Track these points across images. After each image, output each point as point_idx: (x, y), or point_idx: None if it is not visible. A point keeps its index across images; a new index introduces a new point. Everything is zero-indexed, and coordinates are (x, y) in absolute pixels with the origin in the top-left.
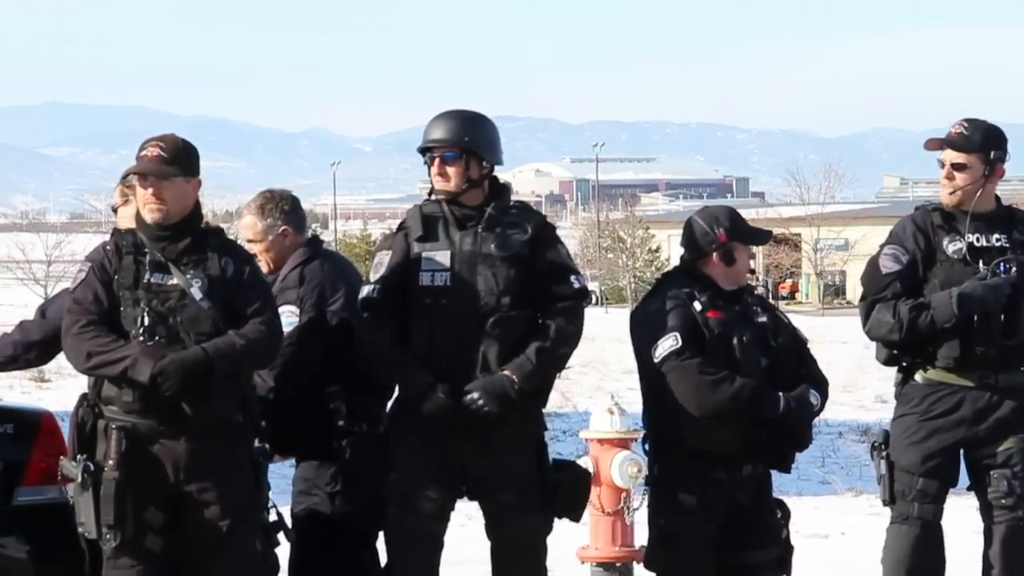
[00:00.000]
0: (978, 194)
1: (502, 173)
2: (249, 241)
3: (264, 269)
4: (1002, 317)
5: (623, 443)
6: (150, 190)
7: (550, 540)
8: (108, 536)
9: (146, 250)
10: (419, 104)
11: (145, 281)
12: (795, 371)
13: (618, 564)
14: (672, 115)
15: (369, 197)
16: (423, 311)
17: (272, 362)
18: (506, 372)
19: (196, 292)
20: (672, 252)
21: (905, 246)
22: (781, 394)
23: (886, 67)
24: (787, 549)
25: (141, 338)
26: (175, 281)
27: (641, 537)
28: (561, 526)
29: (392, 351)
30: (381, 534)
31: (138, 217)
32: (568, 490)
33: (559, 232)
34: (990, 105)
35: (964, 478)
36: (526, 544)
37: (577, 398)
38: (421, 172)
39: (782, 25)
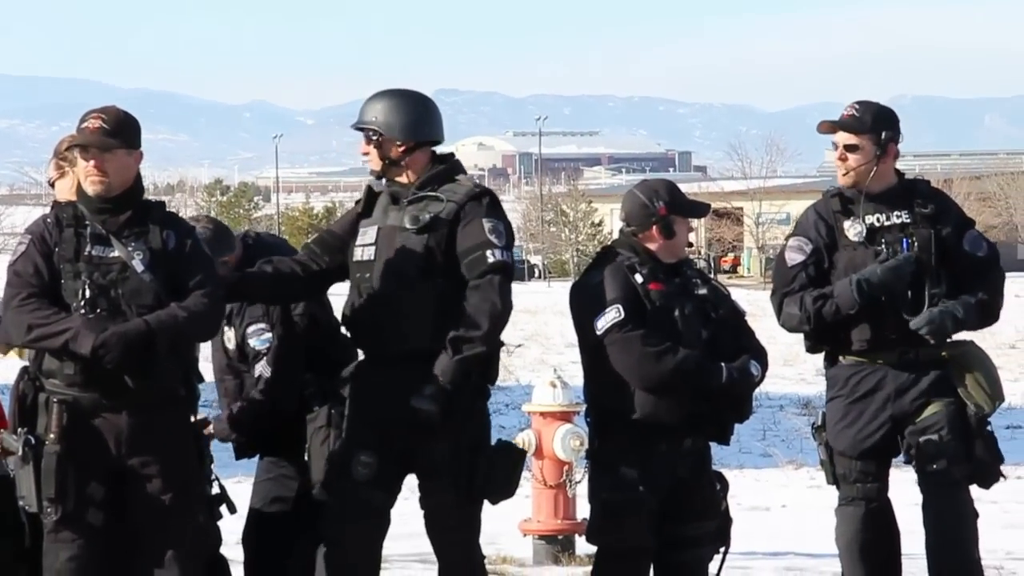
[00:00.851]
0: (871, 174)
1: (447, 146)
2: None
3: None
4: (909, 294)
5: (565, 416)
6: (92, 162)
7: (493, 513)
8: (49, 510)
9: (87, 223)
10: (361, 78)
11: (86, 254)
12: (735, 343)
13: (560, 537)
14: (615, 89)
15: (311, 170)
16: (352, 284)
17: (215, 334)
18: (436, 373)
19: (138, 265)
20: (615, 226)
21: (808, 236)
22: (723, 365)
23: (828, 42)
24: (726, 521)
25: (82, 311)
26: (116, 254)
27: (583, 510)
28: (506, 500)
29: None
30: None
31: (79, 189)
32: (498, 470)
33: (503, 205)
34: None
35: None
36: (451, 523)
37: (520, 371)
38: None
39: (725, 0)
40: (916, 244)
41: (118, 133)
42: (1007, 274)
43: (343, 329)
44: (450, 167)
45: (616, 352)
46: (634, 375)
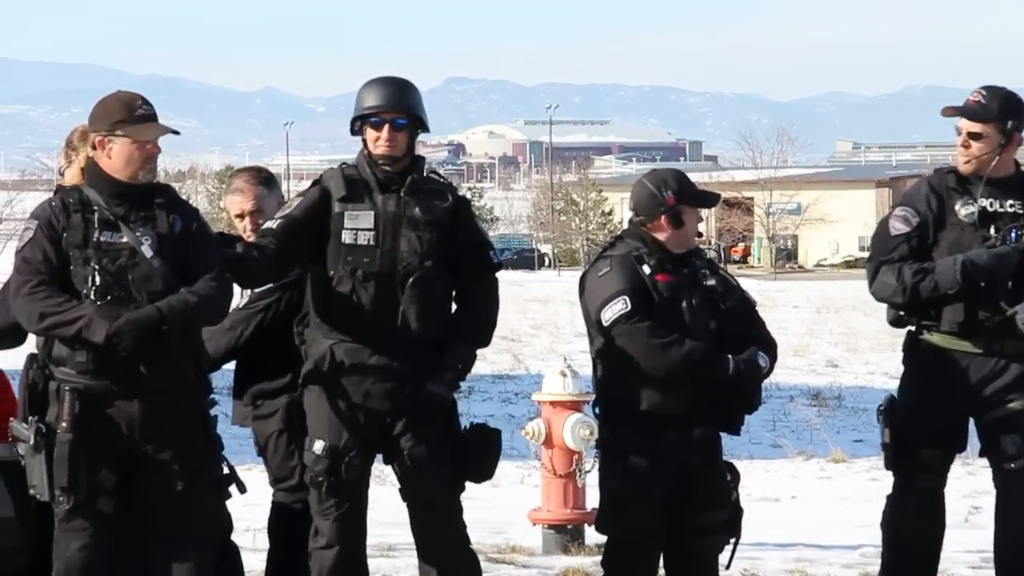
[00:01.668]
0: (994, 163)
1: (457, 134)
2: (252, 214)
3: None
4: (1010, 285)
5: (575, 406)
6: (149, 146)
7: (503, 502)
8: (61, 499)
9: (94, 208)
10: (371, 65)
11: (95, 240)
12: (744, 334)
13: (569, 526)
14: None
15: (322, 157)
16: (344, 270)
17: (224, 318)
18: (454, 359)
19: (147, 250)
20: (624, 215)
21: (917, 208)
22: (730, 356)
23: (838, 31)
24: (737, 511)
25: (93, 298)
26: (125, 239)
27: (593, 499)
28: (515, 490)
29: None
30: None
31: (92, 174)
32: (478, 450)
33: (513, 194)
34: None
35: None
36: (440, 499)
37: (529, 361)
38: None
39: None
40: None
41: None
42: None
43: (314, 312)
44: (424, 161)
45: (623, 343)
46: (641, 366)
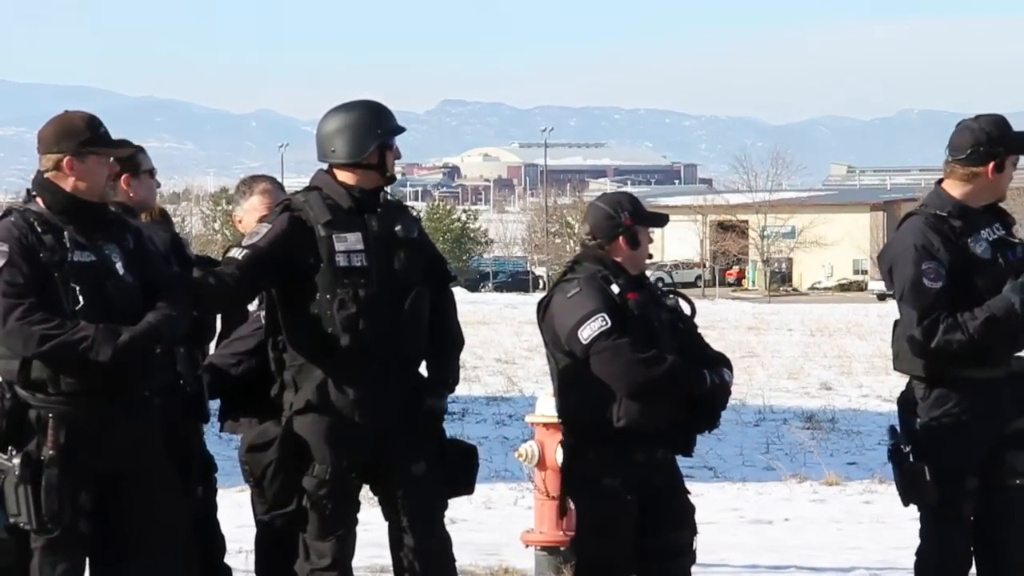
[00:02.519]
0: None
1: (452, 157)
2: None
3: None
4: None
5: None
6: (111, 169)
7: (496, 523)
8: (50, 527)
9: (62, 228)
10: (367, 88)
11: (70, 260)
12: (699, 352)
13: (562, 548)
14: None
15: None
16: (344, 293)
17: (187, 331)
18: (446, 372)
19: (119, 267)
20: None
21: (939, 259)
22: (706, 371)
23: (833, 55)
24: (695, 532)
25: (83, 318)
26: (95, 258)
27: None
28: (508, 511)
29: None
30: None
31: (49, 194)
32: (460, 465)
33: (508, 216)
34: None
35: None
36: (436, 515)
37: (523, 383)
38: None
39: (730, 12)
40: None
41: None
42: None
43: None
44: None
45: (604, 360)
46: (623, 382)
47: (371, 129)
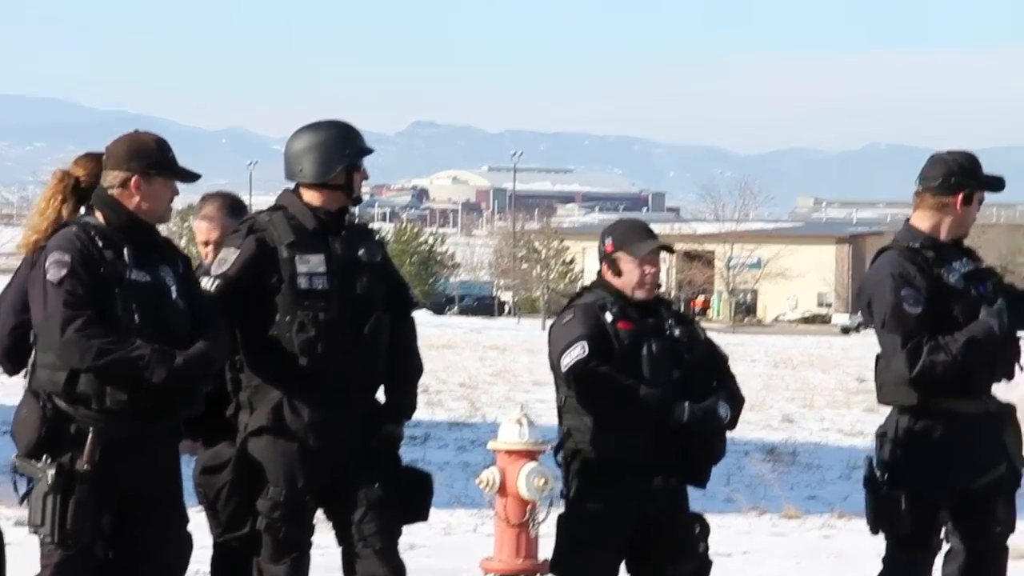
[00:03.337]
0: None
1: (421, 179)
2: (217, 243)
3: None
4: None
5: (531, 455)
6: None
7: (456, 550)
8: (69, 543)
9: (122, 245)
10: (338, 107)
11: (128, 278)
12: (709, 385)
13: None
14: (591, 127)
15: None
16: (303, 316)
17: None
18: (404, 398)
19: (173, 290)
20: (586, 264)
21: (916, 286)
22: (687, 404)
23: (801, 87)
24: (704, 563)
25: (139, 337)
26: (150, 279)
27: (545, 550)
28: (468, 538)
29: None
30: None
31: (111, 211)
32: (415, 491)
33: (475, 240)
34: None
35: None
36: (391, 541)
37: (486, 408)
38: None
39: (701, 42)
40: (995, 287)
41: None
42: None
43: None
44: None
45: (578, 388)
46: (594, 411)
47: (339, 149)
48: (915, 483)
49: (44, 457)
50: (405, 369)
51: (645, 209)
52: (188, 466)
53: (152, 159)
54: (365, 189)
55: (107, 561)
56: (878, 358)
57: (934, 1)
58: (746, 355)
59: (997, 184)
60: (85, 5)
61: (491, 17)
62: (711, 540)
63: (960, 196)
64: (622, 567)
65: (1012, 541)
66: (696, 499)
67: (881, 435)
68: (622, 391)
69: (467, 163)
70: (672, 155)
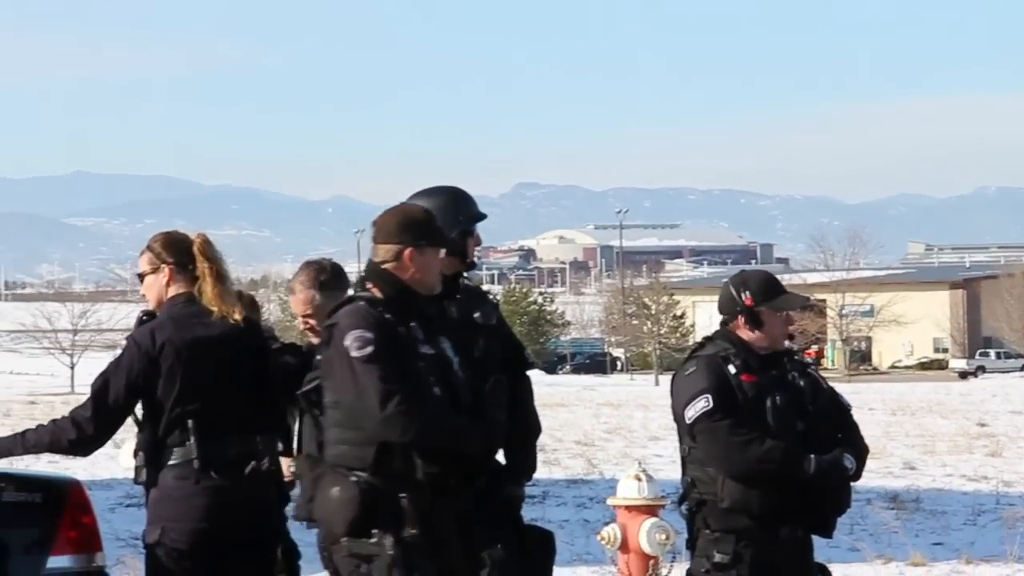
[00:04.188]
0: None
1: (527, 240)
2: (306, 316)
3: (318, 339)
4: None
5: (651, 510)
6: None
7: None
8: None
9: (408, 320)
10: (442, 172)
11: (419, 352)
12: (833, 436)
13: None
14: (695, 182)
15: None
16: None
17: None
18: (525, 459)
19: (455, 362)
20: (697, 318)
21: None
22: (812, 456)
23: (909, 133)
24: None
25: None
26: (434, 351)
27: None
28: None
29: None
30: None
31: (390, 285)
32: (538, 550)
33: (584, 298)
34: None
35: None
36: None
37: (604, 465)
38: None
39: (802, 91)
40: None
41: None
42: None
43: None
44: None
45: (704, 441)
46: (721, 464)
47: (453, 215)
48: None
49: (374, 533)
50: (523, 429)
51: (753, 261)
52: (311, 533)
53: (422, 230)
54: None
55: None
56: None
57: None
58: (863, 403)
59: None
60: (182, 84)
61: (590, 76)
62: None
63: None
64: None
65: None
66: (820, 547)
67: None
68: (745, 444)
69: (573, 222)
70: (778, 206)
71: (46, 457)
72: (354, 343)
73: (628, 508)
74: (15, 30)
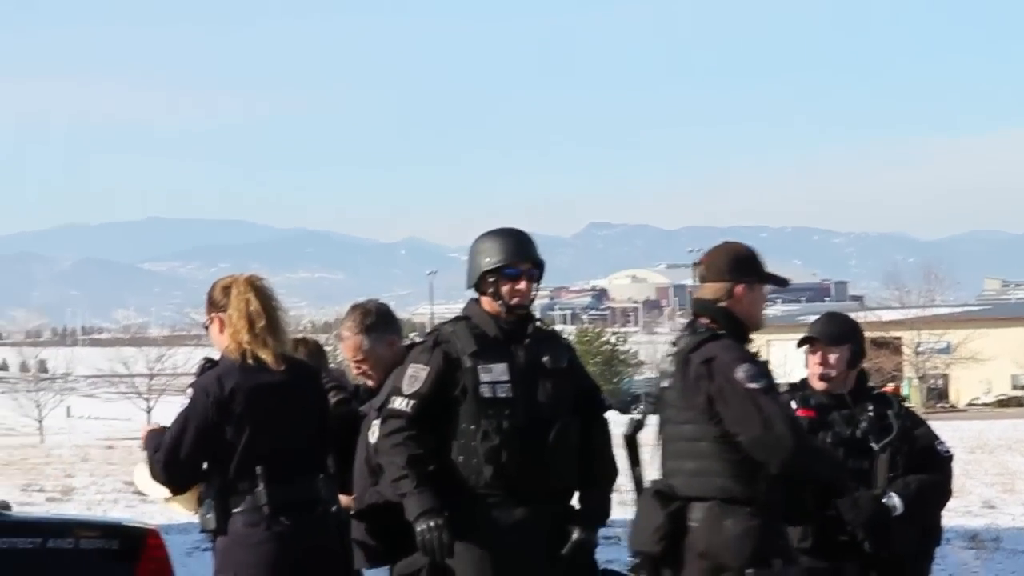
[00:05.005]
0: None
1: (599, 279)
2: (357, 361)
3: (372, 383)
4: None
5: None
6: None
7: None
8: None
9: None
10: (515, 212)
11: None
12: (911, 468)
13: None
14: (768, 220)
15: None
16: (487, 424)
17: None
18: (597, 504)
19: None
20: (771, 356)
21: None
22: (853, 482)
23: (983, 168)
24: None
25: None
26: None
27: None
28: None
29: (408, 468)
30: None
31: (724, 320)
32: None
33: (658, 337)
34: None
35: None
36: None
37: None
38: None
39: (873, 127)
40: None
41: None
42: None
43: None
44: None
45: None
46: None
47: (485, 260)
48: None
49: (774, 562)
50: (597, 473)
51: (828, 299)
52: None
53: (752, 267)
54: (544, 293)
55: None
56: None
57: None
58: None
59: None
60: (256, 127)
61: (658, 116)
62: None
63: None
64: None
65: None
66: None
67: None
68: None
69: (645, 261)
70: (852, 243)
71: (123, 501)
72: (746, 375)
73: None
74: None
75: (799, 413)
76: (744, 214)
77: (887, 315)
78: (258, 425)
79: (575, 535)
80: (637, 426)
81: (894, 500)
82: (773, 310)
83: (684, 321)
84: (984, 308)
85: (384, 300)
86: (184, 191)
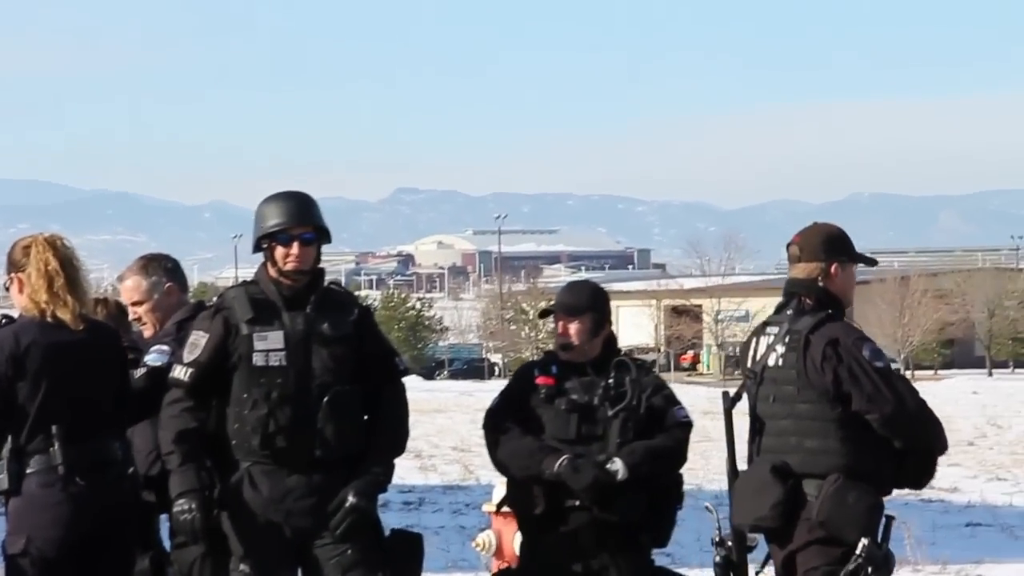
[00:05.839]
0: None
1: (406, 245)
2: (133, 304)
3: (148, 331)
4: None
5: None
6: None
7: None
8: None
9: None
10: (319, 177)
11: None
12: (645, 434)
13: None
14: (574, 187)
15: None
16: (258, 393)
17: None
18: (376, 470)
19: None
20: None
21: None
22: (565, 457)
23: (784, 140)
24: None
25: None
26: None
27: None
28: None
29: (175, 444)
30: None
31: (820, 298)
32: (403, 556)
33: (463, 303)
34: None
35: None
36: None
37: (480, 471)
38: (325, 246)
39: (679, 98)
40: None
41: None
42: (966, 370)
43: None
44: (323, 273)
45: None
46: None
47: (261, 224)
48: None
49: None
50: (379, 439)
51: (631, 266)
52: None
53: (845, 247)
54: (351, 258)
55: None
56: None
57: (908, 54)
58: (739, 408)
59: None
60: (61, 82)
61: (469, 80)
62: None
63: None
64: None
65: None
66: (694, 553)
67: None
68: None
69: (452, 227)
70: (656, 212)
71: None
72: (872, 355)
73: (503, 514)
74: None
75: (539, 381)
76: (550, 181)
77: (688, 283)
78: (54, 383)
79: (348, 502)
80: (733, 401)
81: (616, 464)
82: (575, 277)
83: (489, 287)
84: (783, 277)
85: (188, 263)
86: None
